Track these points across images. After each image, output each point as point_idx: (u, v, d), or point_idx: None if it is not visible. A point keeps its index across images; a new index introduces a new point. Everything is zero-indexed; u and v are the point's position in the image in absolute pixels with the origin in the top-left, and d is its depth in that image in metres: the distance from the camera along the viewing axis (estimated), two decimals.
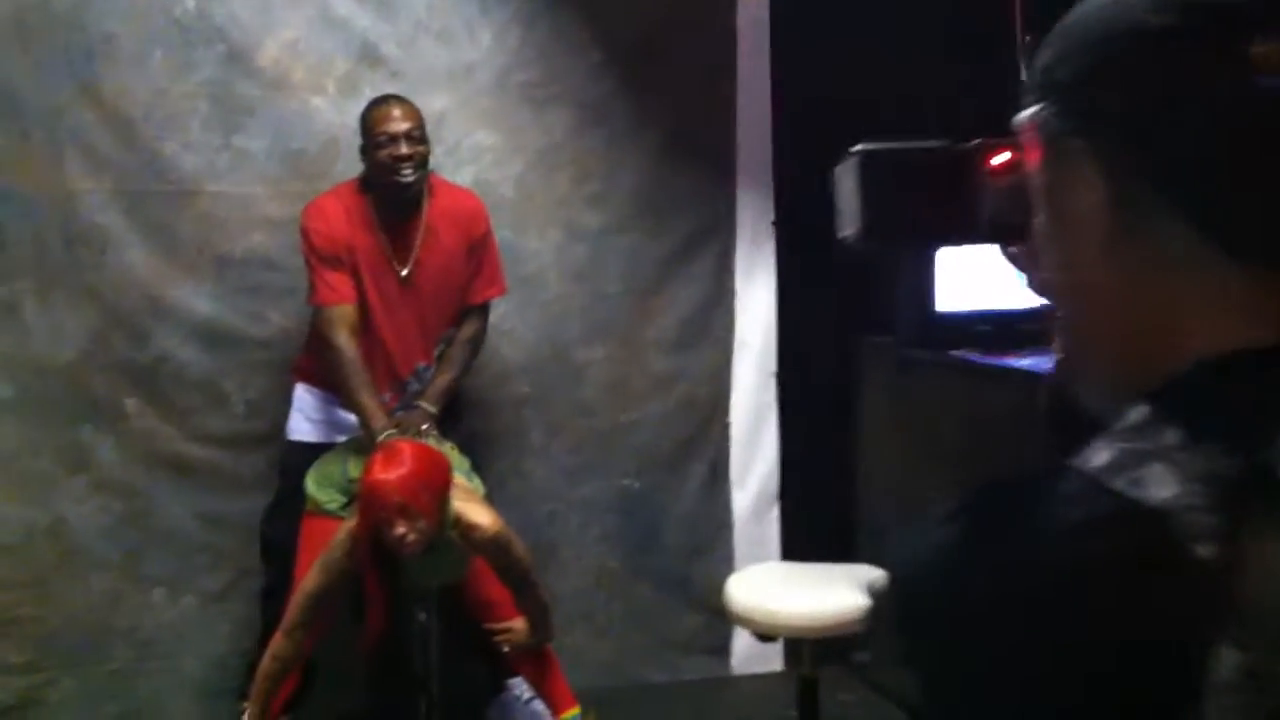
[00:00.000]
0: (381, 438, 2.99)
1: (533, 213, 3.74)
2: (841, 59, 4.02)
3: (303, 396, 3.34)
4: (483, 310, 3.41)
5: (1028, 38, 3.83)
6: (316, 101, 3.52)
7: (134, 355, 3.43)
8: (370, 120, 3.15)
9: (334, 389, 3.30)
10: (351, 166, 3.44)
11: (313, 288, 3.13)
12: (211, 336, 3.48)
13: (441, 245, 3.25)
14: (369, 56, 3.54)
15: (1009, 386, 3.23)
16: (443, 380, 3.33)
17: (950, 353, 3.52)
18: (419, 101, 3.32)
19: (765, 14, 3.88)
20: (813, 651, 2.99)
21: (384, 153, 3.10)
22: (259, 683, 2.92)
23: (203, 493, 3.50)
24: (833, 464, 4.18)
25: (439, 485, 2.75)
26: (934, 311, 3.54)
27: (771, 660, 4.03)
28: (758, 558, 4.04)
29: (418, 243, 3.23)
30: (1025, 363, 3.29)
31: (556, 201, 3.77)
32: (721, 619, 3.98)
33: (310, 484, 3.14)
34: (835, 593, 2.96)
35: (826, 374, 4.14)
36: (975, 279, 3.60)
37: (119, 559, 3.44)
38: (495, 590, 3.02)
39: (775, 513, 4.10)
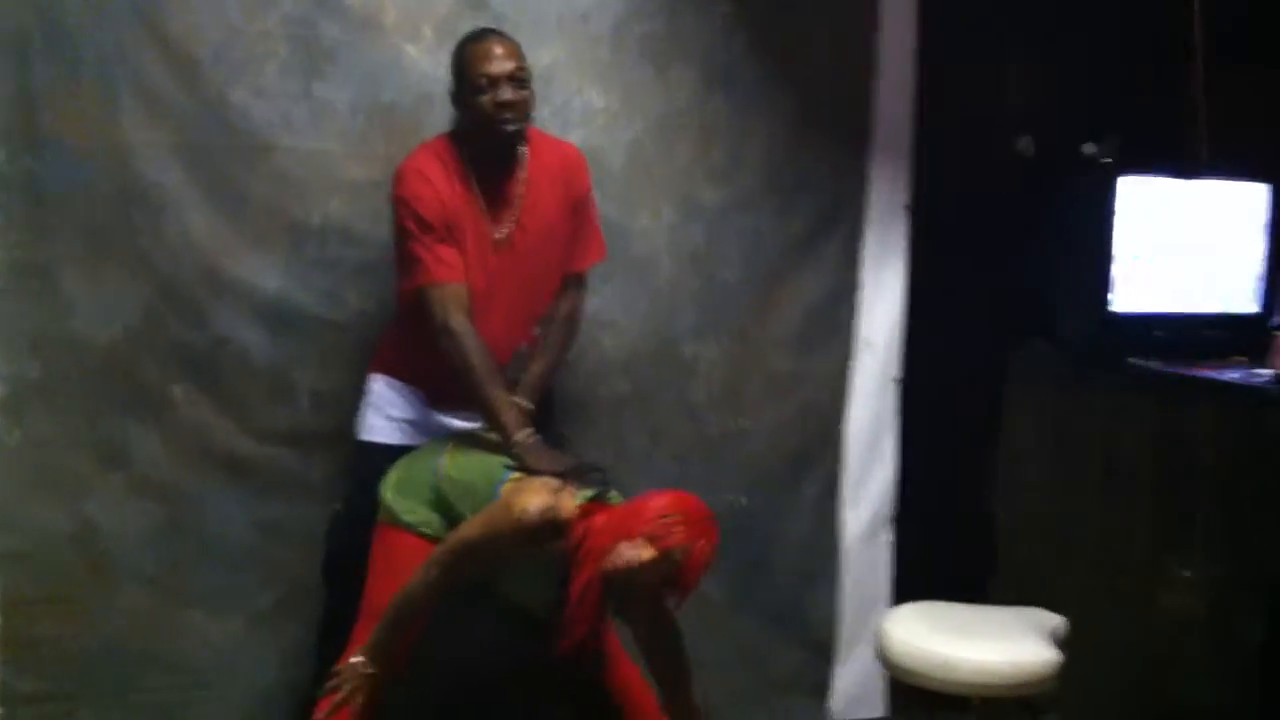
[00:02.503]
0: (520, 446, 2.71)
1: (646, 186, 3.41)
2: (995, 33, 3.73)
3: (381, 391, 3.01)
4: (582, 281, 3.12)
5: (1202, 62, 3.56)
6: (410, 49, 3.18)
7: (188, 336, 3.09)
8: (466, 59, 2.83)
9: (421, 382, 3.00)
10: (445, 125, 3.11)
11: (416, 264, 2.81)
12: (279, 317, 3.14)
13: (543, 205, 2.95)
14: None
15: (1210, 403, 2.93)
16: (540, 368, 3.03)
17: (1131, 360, 3.20)
18: (525, 52, 2.96)
19: None
20: (993, 713, 2.67)
21: (484, 98, 2.79)
22: (380, 624, 2.64)
23: (259, 497, 3.17)
24: (959, 486, 3.89)
25: None
26: (1109, 313, 3.22)
27: (873, 703, 3.76)
28: (866, 588, 3.80)
29: (518, 203, 2.89)
30: (1230, 375, 2.98)
31: (674, 174, 3.44)
32: (823, 656, 3.73)
33: (388, 491, 2.82)
34: (1018, 643, 2.66)
35: (958, 381, 3.83)
36: (1151, 277, 3.29)
37: (157, 572, 3.11)
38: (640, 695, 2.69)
39: (887, 538, 3.80)
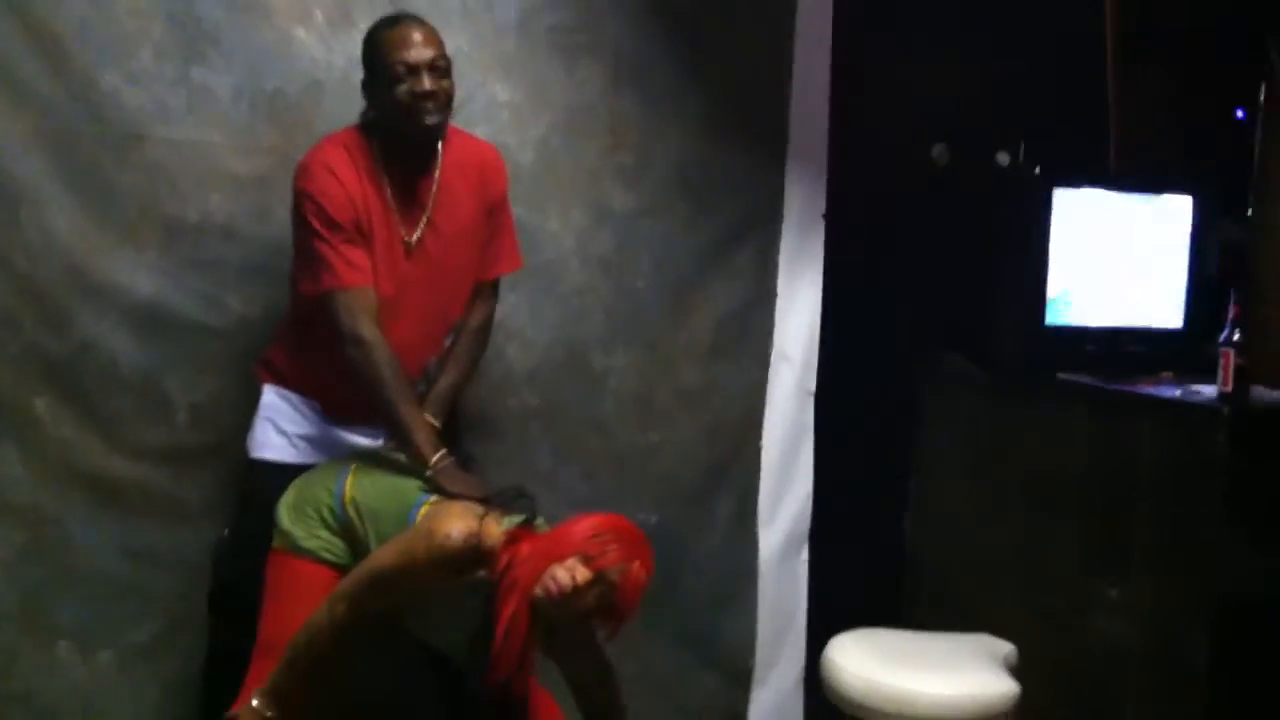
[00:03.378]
0: (435, 469, 2.52)
1: (554, 187, 3.24)
2: (911, 37, 3.67)
3: (274, 404, 2.79)
4: (494, 290, 2.95)
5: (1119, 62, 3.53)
6: (299, 33, 2.97)
7: (50, 343, 2.83)
8: (382, 46, 2.64)
9: (318, 394, 2.78)
10: (338, 115, 2.90)
11: (322, 266, 2.60)
12: (152, 323, 2.90)
13: (457, 207, 2.77)
14: None
15: (1154, 421, 2.86)
16: (449, 382, 2.86)
17: (1061, 376, 3.12)
18: None
19: None
20: None
21: (401, 88, 2.60)
22: (280, 664, 2.43)
23: (131, 521, 2.92)
24: (873, 503, 3.78)
25: None
26: (1044, 326, 3.14)
27: None
28: (782, 610, 3.68)
29: (430, 203, 2.70)
30: (1170, 392, 2.92)
31: (583, 175, 3.28)
32: (740, 682, 3.60)
33: (284, 515, 2.61)
34: (975, 673, 2.54)
35: (872, 395, 3.73)
36: (1080, 291, 3.22)
37: (17, 604, 2.84)
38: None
39: (804, 556, 3.68)
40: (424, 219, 2.71)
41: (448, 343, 2.86)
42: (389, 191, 2.67)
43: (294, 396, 2.78)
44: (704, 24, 3.37)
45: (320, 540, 2.58)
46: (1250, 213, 3.28)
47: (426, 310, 2.75)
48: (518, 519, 2.43)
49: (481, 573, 2.37)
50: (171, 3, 2.85)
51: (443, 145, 2.72)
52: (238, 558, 2.75)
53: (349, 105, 2.92)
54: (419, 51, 2.59)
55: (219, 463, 2.95)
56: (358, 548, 2.56)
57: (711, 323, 3.50)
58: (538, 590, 2.29)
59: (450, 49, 2.97)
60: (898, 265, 3.68)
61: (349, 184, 2.61)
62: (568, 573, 2.28)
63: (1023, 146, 3.70)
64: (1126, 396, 2.96)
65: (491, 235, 2.85)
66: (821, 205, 3.58)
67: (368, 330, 2.57)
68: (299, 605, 2.52)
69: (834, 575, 3.75)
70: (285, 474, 2.70)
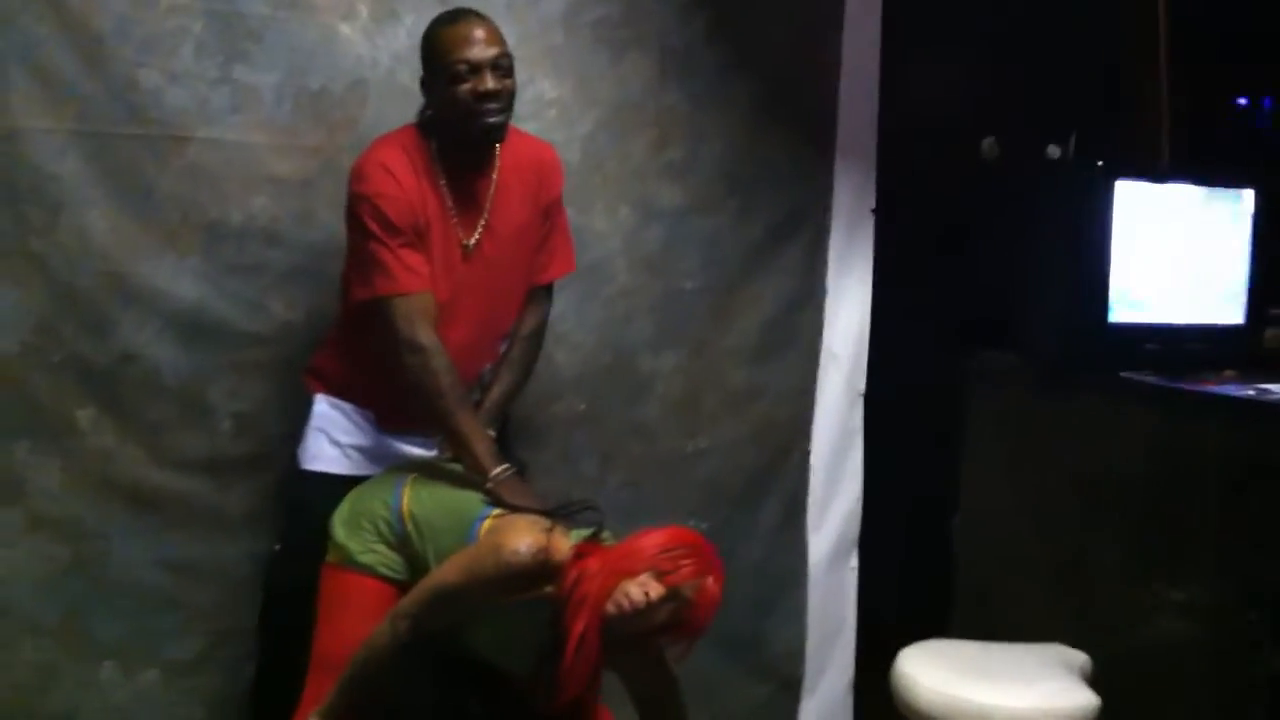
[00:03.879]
0: (496, 481, 2.46)
1: (601, 185, 3.19)
2: (959, 28, 3.61)
3: (326, 413, 2.72)
4: (549, 293, 2.88)
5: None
6: (344, 29, 2.90)
7: (91, 352, 2.76)
8: (441, 43, 2.57)
9: (371, 403, 2.72)
10: (383, 114, 2.83)
11: (380, 271, 2.53)
12: (194, 329, 2.83)
13: (513, 209, 2.70)
14: None
15: (1225, 421, 2.80)
16: (503, 390, 2.80)
17: (1123, 375, 3.06)
18: None
19: None
20: None
21: (463, 88, 2.52)
22: (339, 682, 2.38)
23: (174, 533, 2.85)
24: (924, 506, 3.73)
25: None
26: (1107, 324, 3.07)
27: None
28: (831, 617, 3.64)
29: (487, 205, 2.63)
30: (1244, 392, 2.86)
31: (630, 172, 3.22)
32: (790, 689, 3.55)
33: (339, 528, 2.55)
34: (1054, 685, 2.48)
35: (924, 395, 3.67)
36: (1140, 287, 3.16)
37: (58, 620, 2.77)
38: None
39: (853, 562, 3.63)
40: (481, 221, 2.64)
41: (502, 349, 2.79)
42: (446, 193, 2.61)
43: (347, 406, 2.72)
44: (750, 15, 3.31)
45: (377, 554, 2.52)
46: None
47: (483, 315, 2.68)
48: (585, 532, 2.37)
49: (548, 588, 2.31)
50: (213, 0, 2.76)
51: (500, 144, 2.64)
52: (290, 572, 2.68)
53: (395, 104, 2.87)
54: (481, 50, 2.52)
55: (263, 473, 2.89)
56: (415, 562, 2.50)
57: (759, 323, 3.44)
58: (610, 607, 2.23)
59: None
60: (946, 261, 3.61)
61: (407, 186, 2.54)
62: (641, 589, 2.22)
63: (1073, 139, 3.64)
64: (1195, 396, 2.90)
65: (546, 237, 2.79)
66: (871, 200, 3.52)
67: (426, 337, 2.51)
68: (356, 621, 2.47)
69: (881, 580, 3.70)
70: (338, 486, 2.63)
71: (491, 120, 2.55)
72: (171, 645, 2.86)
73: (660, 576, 2.23)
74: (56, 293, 2.71)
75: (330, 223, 2.84)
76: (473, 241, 2.64)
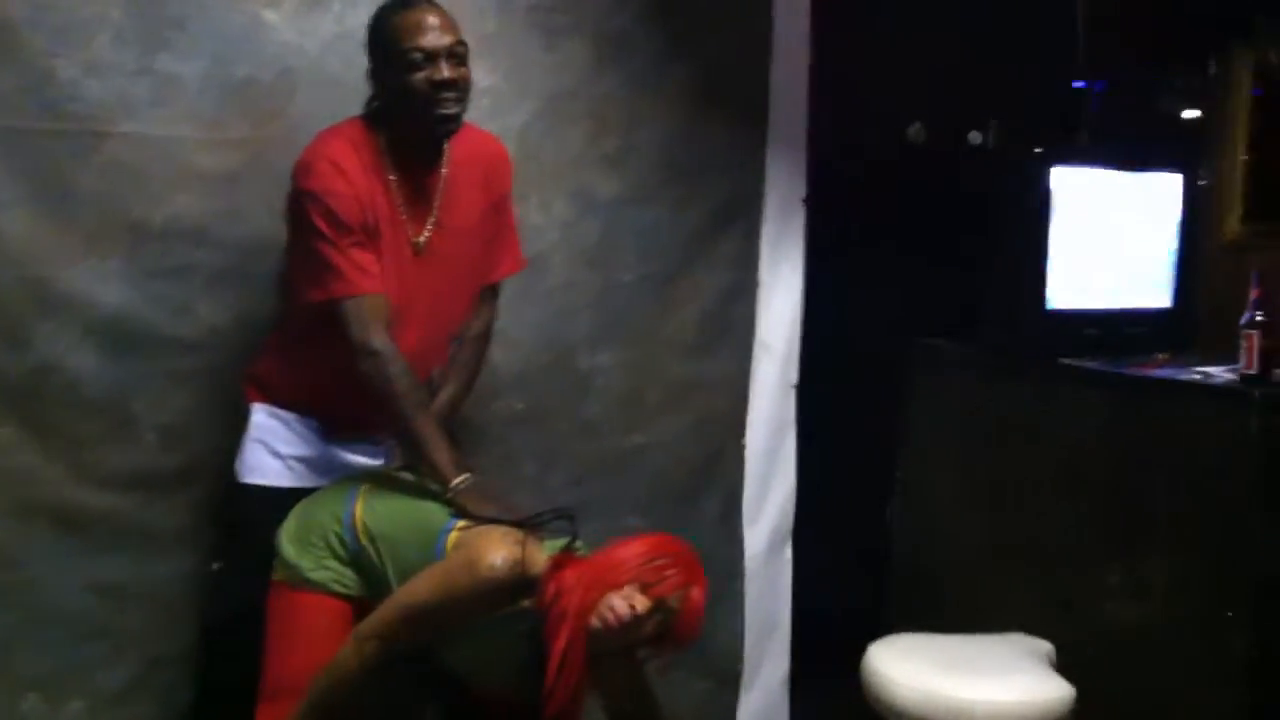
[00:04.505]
0: (458, 490, 2.38)
1: (538, 177, 3.10)
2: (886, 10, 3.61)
3: (264, 423, 2.61)
4: (496, 293, 2.80)
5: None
6: (269, 15, 2.77)
7: (6, 364, 2.59)
8: (394, 30, 2.46)
9: (315, 411, 2.61)
10: (312, 104, 2.72)
11: (329, 272, 2.42)
12: (117, 337, 2.67)
13: (463, 204, 2.61)
14: None
15: (1171, 404, 2.86)
16: (453, 393, 2.73)
17: (1064, 360, 3.11)
18: None
19: None
20: None
21: (418, 76, 2.42)
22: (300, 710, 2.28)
23: (99, 555, 2.70)
24: (858, 497, 3.74)
25: None
26: (1046, 310, 3.11)
27: None
28: (767, 610, 3.61)
29: (437, 201, 2.53)
30: (1188, 375, 2.93)
31: (566, 163, 3.14)
32: (729, 684, 3.54)
33: (287, 545, 2.45)
34: (1030, 676, 2.51)
35: (857, 385, 3.67)
36: (1074, 272, 3.20)
37: None
38: None
39: (788, 554, 3.62)
40: (431, 218, 2.55)
41: (451, 350, 2.70)
42: (396, 189, 2.51)
43: (288, 415, 2.60)
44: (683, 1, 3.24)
45: (330, 571, 2.42)
46: None
47: (434, 316, 2.59)
48: (559, 543, 2.31)
49: (525, 602, 2.24)
50: None
51: (449, 138, 2.55)
52: (230, 592, 2.58)
53: (324, 93, 2.77)
54: (437, 37, 2.42)
55: (193, 488, 2.77)
56: (372, 577, 2.40)
57: (697, 315, 3.40)
58: (594, 621, 2.17)
59: None
60: (876, 249, 3.62)
61: (356, 183, 2.43)
62: (625, 602, 2.17)
63: (993, 125, 3.68)
64: (1143, 381, 2.96)
65: (494, 235, 2.70)
66: (802, 188, 3.50)
67: (380, 340, 2.41)
68: (310, 643, 2.38)
69: (816, 572, 3.70)
70: (281, 500, 2.52)
71: (447, 111, 2.45)
72: (100, 674, 2.72)
73: (645, 588, 2.18)
74: None
75: (260, 220, 2.73)
76: (423, 239, 2.55)
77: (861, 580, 3.70)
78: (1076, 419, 3.06)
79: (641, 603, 2.16)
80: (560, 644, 2.17)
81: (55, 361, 2.62)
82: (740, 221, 3.43)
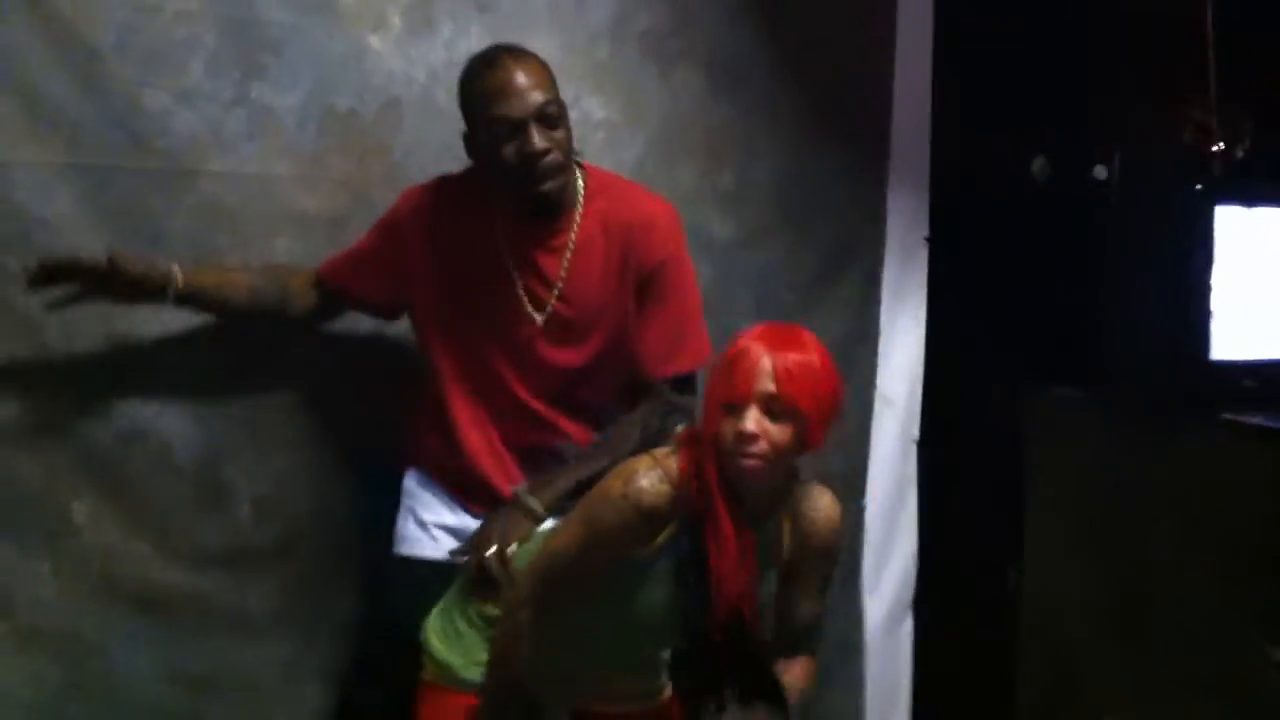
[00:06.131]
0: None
1: None
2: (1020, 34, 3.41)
3: (411, 489, 2.43)
4: (671, 389, 2.40)
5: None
6: (374, 41, 2.55)
7: (89, 428, 2.37)
8: (476, 97, 2.23)
9: (445, 475, 2.39)
10: (420, 139, 2.53)
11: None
12: (209, 397, 2.43)
13: (591, 274, 2.34)
14: None
15: None
16: (572, 475, 2.34)
17: (1226, 416, 2.87)
18: None
19: None
20: None
21: (507, 150, 2.19)
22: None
23: (186, 642, 2.46)
24: (984, 561, 3.50)
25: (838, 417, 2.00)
26: (1208, 360, 2.88)
27: None
28: (887, 684, 3.38)
29: (563, 270, 2.29)
30: None
31: (681, 200, 2.89)
32: None
33: (435, 641, 2.22)
34: None
35: (981, 439, 3.44)
36: (1234, 318, 2.97)
37: None
38: None
39: (909, 624, 3.38)
40: (553, 293, 2.31)
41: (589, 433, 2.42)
42: (507, 248, 2.30)
43: (426, 479, 2.41)
44: (803, 24, 3.05)
45: (484, 666, 2.17)
46: None
47: (547, 395, 2.35)
48: None
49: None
50: (226, 6, 2.40)
51: (583, 193, 2.31)
52: (370, 680, 2.41)
53: (432, 126, 2.57)
54: (522, 102, 2.17)
55: (288, 566, 2.52)
56: None
57: None
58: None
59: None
60: (1002, 293, 3.40)
61: (423, 210, 2.33)
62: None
63: (1117, 159, 3.47)
64: None
65: (650, 319, 2.40)
66: (924, 227, 3.28)
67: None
68: None
69: (939, 643, 3.46)
70: (429, 572, 2.31)
71: (544, 187, 2.21)
72: None
73: None
74: (47, 359, 2.31)
75: None
76: (543, 319, 2.31)
77: (988, 654, 3.45)
78: (1238, 480, 2.82)
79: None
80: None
81: (141, 425, 2.41)
82: (859, 264, 3.22)
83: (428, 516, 2.38)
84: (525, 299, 2.32)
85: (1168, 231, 2.96)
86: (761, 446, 1.91)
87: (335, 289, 2.41)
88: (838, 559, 2.17)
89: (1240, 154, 3.42)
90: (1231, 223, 2.94)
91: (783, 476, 2.03)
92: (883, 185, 3.22)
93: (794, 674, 2.11)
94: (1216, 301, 2.94)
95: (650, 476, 1.97)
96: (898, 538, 3.36)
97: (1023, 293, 3.41)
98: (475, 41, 2.60)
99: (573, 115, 2.66)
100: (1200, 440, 2.93)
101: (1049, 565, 3.33)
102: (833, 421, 2.00)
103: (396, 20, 2.56)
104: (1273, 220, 3.06)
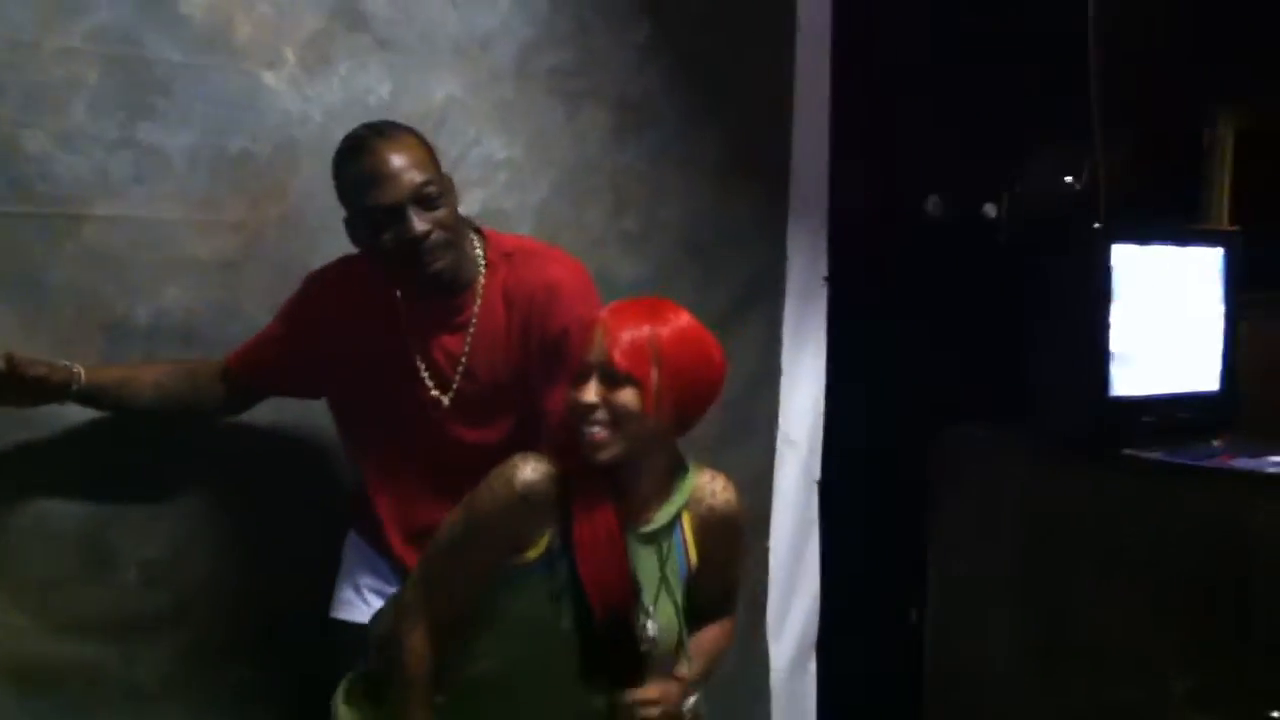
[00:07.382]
0: None
1: None
2: (913, 73, 3.43)
3: (353, 556, 2.35)
4: None
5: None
6: (268, 78, 2.43)
7: None
8: (350, 183, 2.11)
9: (374, 539, 2.31)
10: (317, 181, 2.42)
11: None
12: (93, 459, 2.28)
13: (496, 347, 2.23)
14: (347, 14, 2.51)
15: (1258, 499, 2.67)
16: None
17: (1127, 452, 2.91)
18: (414, 87, 2.48)
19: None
20: None
21: (385, 238, 2.09)
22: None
23: (73, 717, 2.28)
24: (886, 600, 3.49)
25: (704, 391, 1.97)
26: (1109, 397, 2.91)
27: None
28: None
29: (465, 346, 2.20)
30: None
31: (587, 243, 2.85)
32: None
33: (342, 710, 2.06)
34: None
35: (879, 478, 3.44)
36: (1128, 356, 3.02)
37: None
38: None
39: (812, 668, 3.36)
40: (458, 373, 2.21)
41: None
42: (409, 327, 2.21)
43: (362, 542, 2.33)
44: (707, 66, 3.02)
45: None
46: None
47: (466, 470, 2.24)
48: None
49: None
50: (112, 42, 2.26)
51: (487, 266, 2.22)
52: None
53: (329, 169, 2.42)
54: (395, 187, 2.05)
55: (180, 632, 2.37)
56: None
57: (718, 407, 3.10)
58: None
59: (440, 96, 2.55)
60: (900, 332, 3.40)
61: (329, 296, 2.25)
62: None
63: (1006, 198, 3.52)
64: (1226, 473, 2.77)
65: (560, 390, 2.28)
66: (824, 267, 3.26)
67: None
68: None
69: (841, 686, 3.44)
70: (359, 637, 2.18)
71: (436, 267, 2.11)
72: None
73: None
74: None
75: (258, 315, 2.39)
76: (449, 400, 2.22)
77: (892, 694, 3.43)
78: (1141, 514, 2.86)
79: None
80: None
81: (18, 490, 2.22)
82: (763, 304, 3.19)
83: (364, 581, 2.29)
84: (429, 381, 2.21)
85: (1066, 270, 2.99)
86: (601, 414, 1.85)
87: (244, 380, 2.29)
88: (744, 536, 2.17)
89: (1125, 192, 3.48)
90: (1126, 261, 2.98)
91: (663, 459, 1.97)
92: (783, 224, 3.19)
93: (705, 639, 2.08)
94: (1115, 340, 2.98)
95: (530, 463, 1.91)
96: (801, 579, 3.34)
97: (924, 331, 3.41)
98: (374, 79, 2.51)
99: (474, 156, 2.61)
100: (1102, 476, 2.96)
101: (953, 603, 3.33)
102: (701, 394, 1.97)
103: (292, 57, 2.45)
104: (1165, 258, 3.12)
